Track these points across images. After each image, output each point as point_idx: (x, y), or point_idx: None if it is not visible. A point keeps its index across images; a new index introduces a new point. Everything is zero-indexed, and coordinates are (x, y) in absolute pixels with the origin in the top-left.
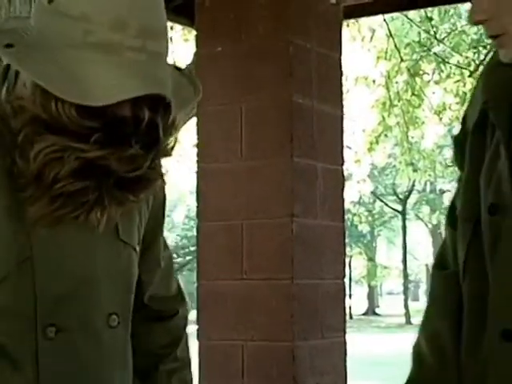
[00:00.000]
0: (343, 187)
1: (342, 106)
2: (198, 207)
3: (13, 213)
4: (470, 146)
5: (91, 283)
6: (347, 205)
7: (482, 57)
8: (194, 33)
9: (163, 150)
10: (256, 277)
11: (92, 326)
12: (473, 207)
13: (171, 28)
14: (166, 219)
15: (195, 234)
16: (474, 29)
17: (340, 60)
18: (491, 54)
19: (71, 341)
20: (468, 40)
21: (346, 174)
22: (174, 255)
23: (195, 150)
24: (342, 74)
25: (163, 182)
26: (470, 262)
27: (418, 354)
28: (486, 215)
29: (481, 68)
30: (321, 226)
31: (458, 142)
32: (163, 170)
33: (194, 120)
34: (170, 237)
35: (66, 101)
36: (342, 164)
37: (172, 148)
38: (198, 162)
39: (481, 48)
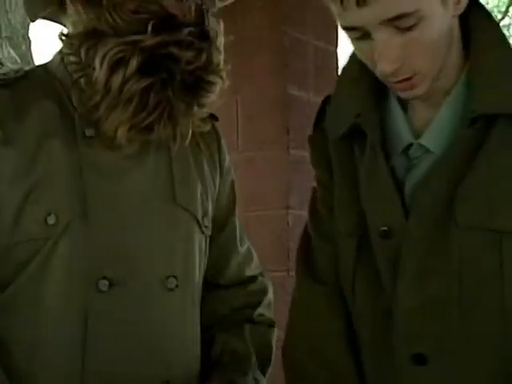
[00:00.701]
0: None
1: None
2: None
3: (70, 159)
4: (337, 156)
5: (146, 242)
6: None
7: None
8: None
9: (215, 46)
10: None
11: (146, 285)
12: (352, 222)
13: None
14: None
15: None
16: None
17: (336, 52)
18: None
19: (124, 297)
20: None
21: None
22: None
23: None
24: (338, 66)
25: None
26: (359, 283)
27: (302, 371)
28: (378, 238)
29: None
30: None
31: (316, 143)
32: (223, 74)
33: None
34: None
35: (116, 6)
36: None
37: (221, 44)
38: None
39: None
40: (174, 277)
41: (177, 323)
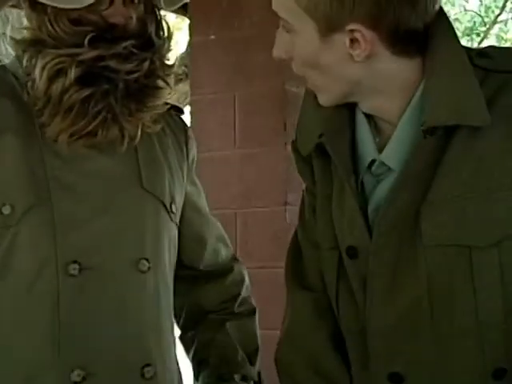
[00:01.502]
0: None
1: None
2: None
3: (28, 151)
4: (318, 166)
5: (114, 226)
6: None
7: (475, 44)
8: (188, 21)
9: (160, 54)
10: (250, 265)
11: (118, 268)
12: (332, 236)
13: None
14: None
15: None
16: (468, 17)
17: None
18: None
19: (96, 280)
20: (461, 28)
21: None
22: None
23: None
24: None
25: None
26: (342, 297)
27: (296, 378)
28: (347, 258)
29: None
30: None
31: (299, 152)
32: (169, 80)
33: (188, 108)
34: None
35: (57, 16)
36: None
37: (168, 50)
38: None
39: (474, 36)
40: (146, 259)
41: (151, 305)
